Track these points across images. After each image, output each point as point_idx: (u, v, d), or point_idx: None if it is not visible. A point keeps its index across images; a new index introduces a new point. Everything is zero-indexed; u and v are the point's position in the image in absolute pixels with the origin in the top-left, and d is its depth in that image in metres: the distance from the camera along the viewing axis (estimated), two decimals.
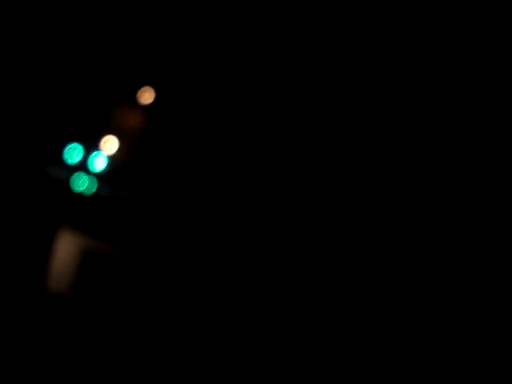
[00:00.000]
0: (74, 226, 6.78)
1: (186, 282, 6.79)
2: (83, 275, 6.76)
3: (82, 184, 7.31)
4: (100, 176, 7.37)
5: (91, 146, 7.46)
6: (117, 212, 6.98)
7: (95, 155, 7.47)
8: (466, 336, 5.81)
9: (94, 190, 7.29)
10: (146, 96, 7.40)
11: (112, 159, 7.47)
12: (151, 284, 6.77)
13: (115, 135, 7.54)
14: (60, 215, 6.83)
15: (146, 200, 7.09)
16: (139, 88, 7.35)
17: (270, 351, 6.35)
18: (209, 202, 7.07)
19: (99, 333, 6.50)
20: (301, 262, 6.50)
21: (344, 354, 6.14)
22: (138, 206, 7.04)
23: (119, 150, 7.47)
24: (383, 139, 6.21)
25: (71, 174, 7.29)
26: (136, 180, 7.28)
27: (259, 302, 6.56)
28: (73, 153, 7.37)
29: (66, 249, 6.69)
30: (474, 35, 5.47)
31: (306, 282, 6.48)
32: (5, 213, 6.67)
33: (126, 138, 7.49)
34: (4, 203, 6.69)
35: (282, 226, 6.58)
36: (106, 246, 6.79)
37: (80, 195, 7.21)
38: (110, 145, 7.52)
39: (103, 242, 6.80)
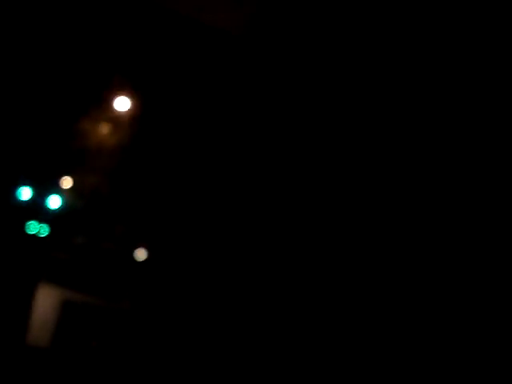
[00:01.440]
0: (51, 278, 6.76)
1: (168, 329, 6.77)
2: (63, 327, 6.73)
3: (34, 228, 7.30)
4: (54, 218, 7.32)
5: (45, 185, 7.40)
6: (93, 261, 6.97)
7: (50, 194, 7.41)
8: (464, 336, 5.82)
9: (46, 232, 7.29)
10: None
11: (67, 199, 7.44)
12: (132, 333, 6.76)
13: (70, 175, 7.45)
14: (36, 268, 6.81)
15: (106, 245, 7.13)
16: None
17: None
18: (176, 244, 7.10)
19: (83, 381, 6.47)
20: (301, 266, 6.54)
21: (343, 355, 6.17)
22: (100, 252, 7.08)
23: (74, 190, 7.43)
24: (384, 140, 6.30)
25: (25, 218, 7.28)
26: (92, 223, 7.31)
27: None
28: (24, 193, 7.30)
29: (44, 301, 6.67)
30: (474, 36, 5.54)
31: (305, 283, 6.52)
32: None
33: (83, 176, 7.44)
34: None
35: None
36: (84, 296, 6.78)
37: (34, 237, 7.20)
38: (65, 184, 7.47)
39: (82, 292, 6.78)
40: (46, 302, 6.70)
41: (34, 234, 7.24)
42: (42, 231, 7.32)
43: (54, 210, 7.55)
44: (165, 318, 6.79)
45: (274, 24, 6.52)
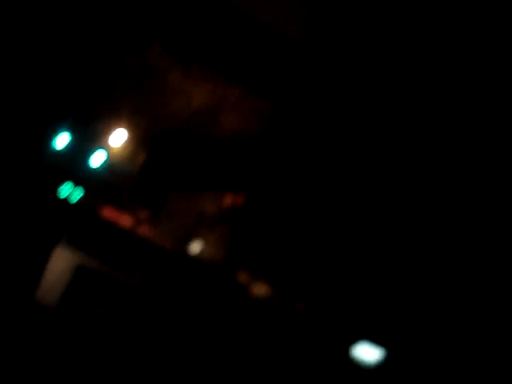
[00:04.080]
0: (70, 240, 6.80)
1: (174, 310, 6.91)
2: (74, 290, 6.83)
3: (67, 191, 6.86)
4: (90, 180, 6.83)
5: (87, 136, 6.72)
6: (115, 232, 7.00)
7: (96, 150, 6.81)
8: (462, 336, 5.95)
9: (78, 198, 6.91)
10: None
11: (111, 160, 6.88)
12: (139, 307, 6.87)
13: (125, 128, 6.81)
14: (56, 227, 6.82)
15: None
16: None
17: None
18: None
19: (83, 347, 6.56)
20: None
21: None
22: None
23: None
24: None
25: (61, 179, 6.73)
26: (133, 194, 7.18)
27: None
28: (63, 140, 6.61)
29: (60, 263, 6.76)
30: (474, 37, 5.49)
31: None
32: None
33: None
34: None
35: None
36: (100, 264, 6.88)
37: (66, 201, 6.85)
38: (115, 140, 6.79)
39: (98, 260, 6.87)
40: (61, 263, 6.78)
41: (64, 198, 6.91)
42: (74, 196, 6.96)
43: (94, 169, 6.95)
44: (172, 300, 6.93)
45: (333, 32, 6.43)
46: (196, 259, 7.33)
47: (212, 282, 7.15)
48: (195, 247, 7.53)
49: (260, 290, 7.48)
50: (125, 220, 7.09)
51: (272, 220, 7.66)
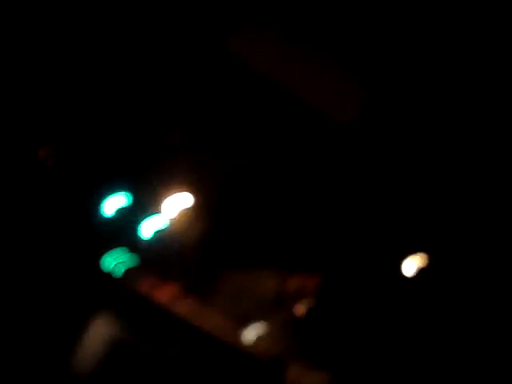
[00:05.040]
0: (108, 312, 6.58)
1: None
2: (108, 363, 6.60)
3: (112, 262, 6.36)
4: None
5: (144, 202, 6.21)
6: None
7: (150, 216, 6.25)
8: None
9: (123, 271, 6.40)
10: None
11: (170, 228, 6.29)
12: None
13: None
14: (94, 298, 6.61)
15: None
16: None
17: None
18: None
19: None
20: None
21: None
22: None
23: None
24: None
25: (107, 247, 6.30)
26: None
27: None
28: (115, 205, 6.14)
29: (97, 334, 6.57)
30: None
31: None
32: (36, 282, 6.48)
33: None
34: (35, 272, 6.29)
35: None
36: (136, 338, 6.60)
37: (109, 275, 6.40)
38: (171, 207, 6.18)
39: (134, 334, 6.59)
40: (97, 334, 6.59)
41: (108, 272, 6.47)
42: (117, 269, 6.49)
43: (145, 239, 6.36)
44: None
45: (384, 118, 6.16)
46: (246, 350, 6.77)
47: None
48: (248, 335, 6.98)
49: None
50: (167, 295, 6.73)
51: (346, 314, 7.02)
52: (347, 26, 5.92)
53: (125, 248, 6.59)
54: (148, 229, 6.53)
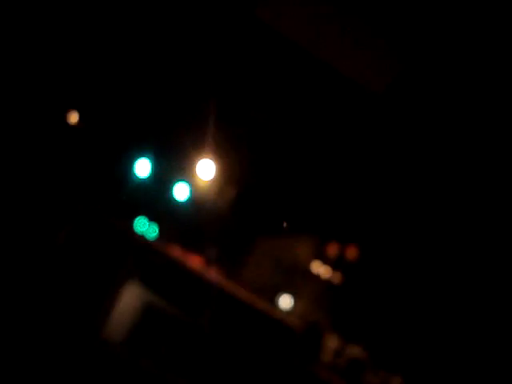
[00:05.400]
0: (141, 278, 6.55)
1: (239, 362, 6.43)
2: (139, 328, 6.59)
3: (144, 226, 6.47)
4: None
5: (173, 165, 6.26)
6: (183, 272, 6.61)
7: (177, 182, 6.28)
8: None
9: (155, 234, 6.52)
10: None
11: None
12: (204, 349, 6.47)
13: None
14: (126, 262, 6.59)
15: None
16: None
17: None
18: None
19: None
20: None
21: None
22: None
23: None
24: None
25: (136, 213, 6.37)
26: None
27: None
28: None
29: (129, 300, 6.55)
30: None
31: None
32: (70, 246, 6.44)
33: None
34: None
35: None
36: (167, 305, 6.56)
37: (143, 237, 6.40)
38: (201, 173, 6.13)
39: (166, 300, 6.55)
40: (129, 300, 6.58)
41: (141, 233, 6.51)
42: (150, 231, 6.62)
43: (176, 204, 6.38)
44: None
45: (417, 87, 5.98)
46: (278, 319, 6.66)
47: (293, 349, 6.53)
48: (283, 304, 6.87)
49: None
50: (199, 262, 6.67)
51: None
52: None
53: (157, 212, 6.62)
54: (178, 194, 6.56)
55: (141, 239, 6.56)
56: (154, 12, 6.14)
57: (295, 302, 6.87)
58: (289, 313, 6.86)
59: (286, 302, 6.84)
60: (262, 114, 6.33)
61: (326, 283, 7.04)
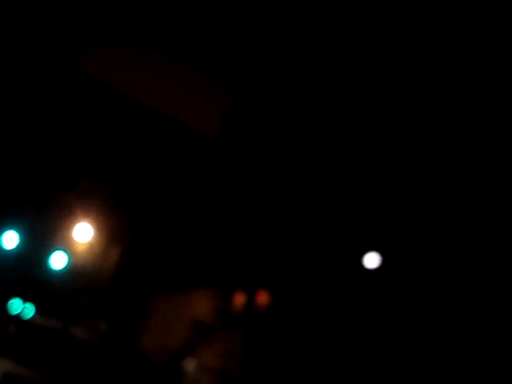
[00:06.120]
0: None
1: None
2: None
3: (19, 307, 5.88)
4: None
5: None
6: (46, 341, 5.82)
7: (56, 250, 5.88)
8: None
9: (30, 315, 5.91)
10: None
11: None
12: None
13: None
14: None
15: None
16: None
17: None
18: None
19: None
20: None
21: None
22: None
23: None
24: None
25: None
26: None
27: None
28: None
29: None
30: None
31: None
32: None
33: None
34: None
35: None
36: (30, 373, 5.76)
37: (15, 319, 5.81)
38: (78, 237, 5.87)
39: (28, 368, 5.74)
40: None
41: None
42: (26, 312, 5.95)
43: (53, 275, 5.92)
44: None
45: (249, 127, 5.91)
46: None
47: None
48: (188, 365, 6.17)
49: None
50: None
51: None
52: (207, 34, 5.40)
53: (33, 288, 5.96)
54: (56, 263, 6.03)
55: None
56: None
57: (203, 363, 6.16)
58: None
59: (193, 364, 6.13)
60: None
61: (239, 334, 6.36)
